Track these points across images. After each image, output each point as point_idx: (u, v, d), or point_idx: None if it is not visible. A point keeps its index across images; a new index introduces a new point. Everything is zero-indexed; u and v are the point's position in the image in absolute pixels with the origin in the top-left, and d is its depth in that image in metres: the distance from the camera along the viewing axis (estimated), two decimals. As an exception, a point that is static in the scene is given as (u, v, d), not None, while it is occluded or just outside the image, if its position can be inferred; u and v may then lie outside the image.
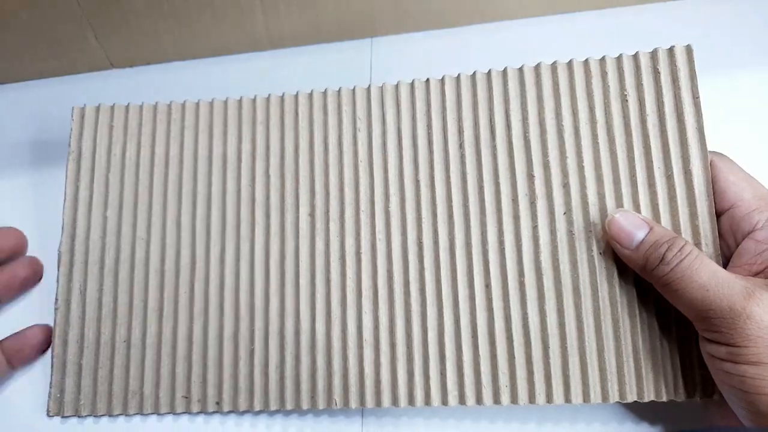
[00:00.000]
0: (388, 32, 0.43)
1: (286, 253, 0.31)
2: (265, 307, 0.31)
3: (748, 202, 0.28)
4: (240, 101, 0.33)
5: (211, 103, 0.34)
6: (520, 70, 0.32)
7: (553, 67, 0.31)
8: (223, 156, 0.33)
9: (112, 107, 0.35)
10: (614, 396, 0.28)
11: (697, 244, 0.28)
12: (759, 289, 0.24)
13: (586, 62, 0.31)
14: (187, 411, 0.31)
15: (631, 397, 0.28)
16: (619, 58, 0.31)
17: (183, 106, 0.34)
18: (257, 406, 0.30)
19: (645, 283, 0.28)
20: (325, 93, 0.33)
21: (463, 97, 0.31)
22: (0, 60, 0.40)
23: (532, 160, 0.30)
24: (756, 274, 0.27)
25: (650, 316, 0.28)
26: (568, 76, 0.31)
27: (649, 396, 0.28)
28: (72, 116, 0.35)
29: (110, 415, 0.32)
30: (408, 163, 0.31)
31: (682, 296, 0.26)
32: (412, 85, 0.32)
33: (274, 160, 0.32)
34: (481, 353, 0.29)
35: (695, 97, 0.30)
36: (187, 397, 0.30)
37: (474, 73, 0.32)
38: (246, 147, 0.32)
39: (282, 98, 0.33)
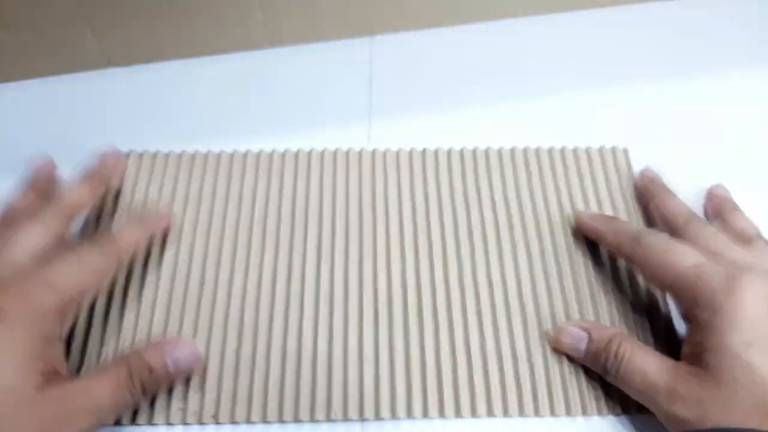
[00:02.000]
0: (388, 30, 0.43)
1: (292, 276, 0.34)
2: (269, 326, 0.32)
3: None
4: (271, 155, 0.38)
5: (245, 154, 0.38)
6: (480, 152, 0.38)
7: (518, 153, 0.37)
8: (251, 197, 0.37)
9: (167, 156, 0.38)
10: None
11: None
12: (679, 383, 0.26)
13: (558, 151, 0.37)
14: (183, 422, 0.29)
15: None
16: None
17: (231, 156, 0.38)
18: (254, 419, 0.29)
19: None
20: (322, 154, 0.38)
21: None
22: (0, 60, 0.40)
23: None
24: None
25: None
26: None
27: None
28: (128, 162, 0.37)
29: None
30: (407, 214, 0.36)
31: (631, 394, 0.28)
32: (410, 153, 0.38)
33: (286, 205, 0.36)
34: (474, 370, 0.31)
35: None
36: (183, 409, 0.29)
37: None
38: (263, 190, 0.37)
39: (296, 155, 0.38)
